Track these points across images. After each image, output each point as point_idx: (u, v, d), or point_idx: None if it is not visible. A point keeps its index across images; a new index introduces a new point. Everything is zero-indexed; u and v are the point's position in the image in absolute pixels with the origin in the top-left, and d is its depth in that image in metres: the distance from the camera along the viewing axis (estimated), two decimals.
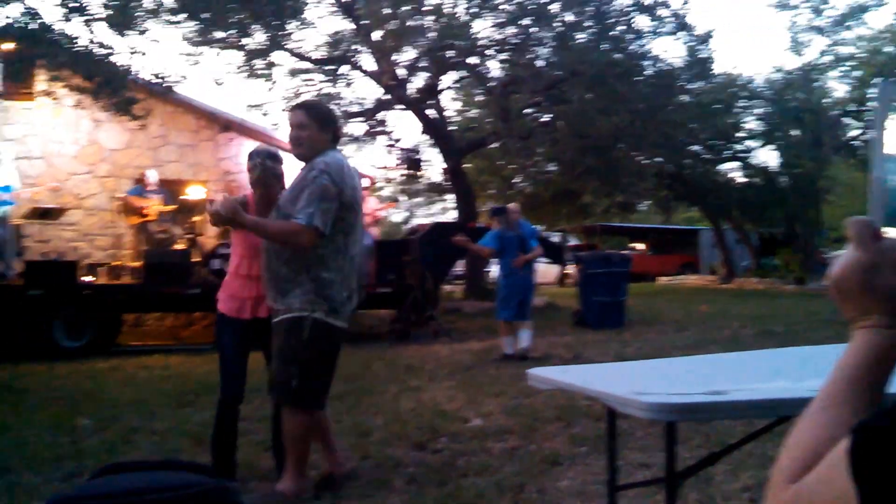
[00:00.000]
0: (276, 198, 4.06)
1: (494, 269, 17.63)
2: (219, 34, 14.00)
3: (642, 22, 16.52)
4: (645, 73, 16.89)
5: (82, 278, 10.80)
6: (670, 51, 40.50)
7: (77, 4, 12.07)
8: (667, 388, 2.42)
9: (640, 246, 34.61)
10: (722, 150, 26.15)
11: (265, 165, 4.15)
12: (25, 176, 12.91)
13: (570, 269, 23.44)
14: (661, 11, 16.30)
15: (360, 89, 39.19)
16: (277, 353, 3.80)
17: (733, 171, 28.26)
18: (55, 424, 5.74)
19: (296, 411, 3.81)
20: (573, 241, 32.22)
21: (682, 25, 16.70)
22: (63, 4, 12.07)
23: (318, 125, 3.87)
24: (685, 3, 16.58)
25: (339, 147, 4.05)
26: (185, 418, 5.89)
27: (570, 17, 15.95)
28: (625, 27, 16.23)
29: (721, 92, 22.80)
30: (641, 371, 3.15)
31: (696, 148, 23.95)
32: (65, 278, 10.27)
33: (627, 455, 4.38)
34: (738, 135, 25.75)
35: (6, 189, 11.10)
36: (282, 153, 4.37)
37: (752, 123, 25.98)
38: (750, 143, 26.47)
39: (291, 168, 4.07)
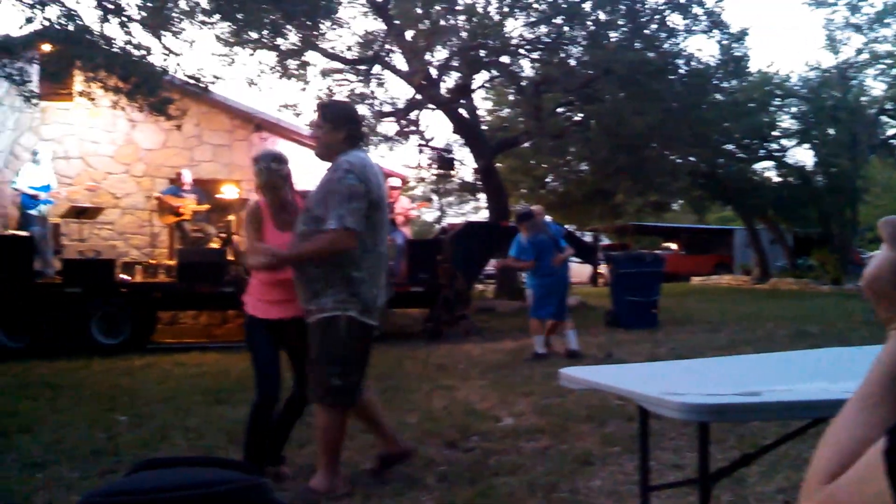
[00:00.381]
0: (286, 199, 4.15)
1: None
2: (252, 35, 14.12)
3: (676, 20, 16.41)
4: (678, 71, 16.77)
5: (119, 276, 10.95)
6: (704, 49, 40.06)
7: (113, 6, 12.24)
8: (700, 389, 2.42)
9: (673, 245, 34.34)
10: (756, 149, 25.87)
11: (270, 169, 4.17)
12: (63, 175, 13.15)
13: (602, 268, 23.35)
14: (695, 9, 16.18)
15: (393, 89, 39.33)
16: (315, 353, 3.84)
17: (768, 170, 27.96)
18: (92, 420, 5.84)
19: (331, 409, 3.85)
20: (605, 241, 32.06)
21: (716, 23, 16.55)
22: (100, 6, 12.24)
23: (331, 125, 3.90)
24: (719, 0, 16.42)
25: (361, 147, 4.07)
26: (220, 415, 5.96)
27: (602, 16, 15.88)
28: (658, 25, 16.13)
29: (756, 90, 22.57)
30: (674, 371, 3.14)
31: (730, 147, 23.71)
32: (102, 276, 10.42)
33: (660, 455, 4.36)
34: (772, 134, 25.46)
35: (45, 188, 11.30)
36: (287, 154, 4.40)
37: (787, 122, 25.70)
38: (785, 142, 26.17)
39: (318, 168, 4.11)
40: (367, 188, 3.77)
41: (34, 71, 12.39)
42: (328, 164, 3.96)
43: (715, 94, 18.19)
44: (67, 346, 10.07)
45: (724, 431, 4.73)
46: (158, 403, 6.51)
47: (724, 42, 17.23)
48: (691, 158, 20.03)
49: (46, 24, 11.64)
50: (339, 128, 3.90)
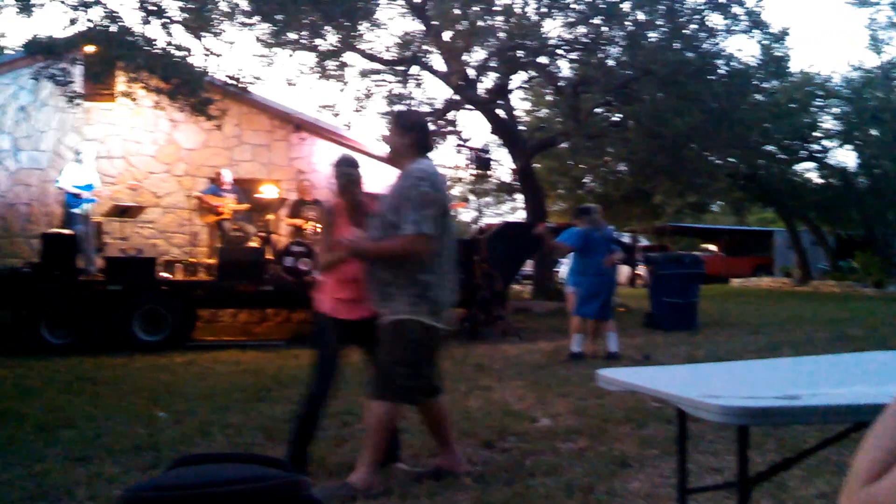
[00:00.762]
0: (359, 200, 4.32)
1: (563, 270, 17.56)
2: (292, 36, 14.23)
3: (716, 20, 16.24)
4: (718, 71, 16.59)
5: (160, 274, 11.09)
6: (744, 49, 39.62)
7: (155, 8, 12.41)
8: (739, 392, 2.41)
9: (713, 247, 34.02)
10: (798, 150, 25.55)
11: (346, 173, 4.37)
12: (106, 175, 13.35)
13: (641, 270, 23.19)
14: (735, 9, 15.99)
15: (430, 90, 39.39)
16: (384, 354, 3.96)
17: (809, 171, 27.63)
18: (133, 416, 5.93)
19: (388, 406, 3.93)
20: (644, 242, 31.86)
21: (756, 23, 16.35)
22: (142, 8, 12.42)
23: (398, 131, 4.08)
24: (760, 0, 16.19)
25: (428, 155, 4.18)
26: (258, 412, 6.02)
27: (641, 16, 15.77)
28: (698, 25, 15.97)
29: (797, 91, 22.29)
30: (713, 373, 3.12)
31: (770, 148, 23.41)
32: (143, 274, 10.57)
33: (698, 458, 4.33)
34: (814, 134, 25.13)
35: (88, 187, 11.48)
36: (358, 158, 4.58)
37: (828, 123, 25.34)
38: (827, 143, 25.82)
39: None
40: (440, 195, 3.93)
41: (77, 72, 12.60)
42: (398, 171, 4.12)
43: (755, 95, 17.97)
44: (109, 342, 10.25)
45: (764, 435, 4.68)
46: (198, 400, 6.59)
47: (765, 42, 17.03)
48: (731, 159, 19.82)
49: (90, 25, 11.84)
50: (406, 134, 4.06)
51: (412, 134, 4.07)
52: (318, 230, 4.60)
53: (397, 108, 4.37)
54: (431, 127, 18.17)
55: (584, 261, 9.00)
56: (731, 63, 16.84)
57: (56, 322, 10.19)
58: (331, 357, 4.27)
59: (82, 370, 8.46)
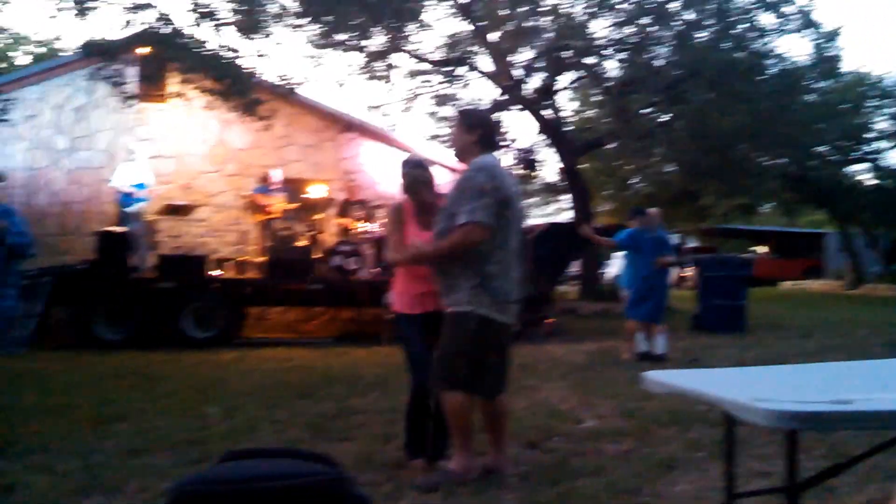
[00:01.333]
0: (428, 201, 4.36)
1: (612, 271, 17.44)
2: (341, 37, 14.35)
3: (766, 19, 16.03)
4: (768, 71, 16.36)
5: (210, 272, 11.26)
6: (795, 49, 38.97)
7: (207, 10, 12.62)
8: (788, 396, 2.39)
9: (762, 249, 33.52)
10: (850, 151, 25.09)
11: (412, 174, 4.41)
12: (158, 174, 13.58)
13: (688, 271, 22.96)
14: (786, 8, 15.77)
15: (477, 90, 39.38)
16: (445, 343, 4.02)
17: (862, 172, 27.10)
18: (184, 411, 6.04)
19: (455, 394, 3.99)
20: (691, 244, 31.53)
21: (808, 22, 16.11)
22: (194, 10, 12.63)
23: (463, 127, 4.15)
24: None
25: (494, 152, 4.24)
26: (305, 409, 6.09)
27: (690, 16, 15.61)
28: (747, 25, 15.77)
29: (849, 91, 21.90)
30: (761, 377, 3.10)
31: (822, 149, 23.03)
32: (194, 272, 10.76)
33: (746, 462, 4.29)
34: (867, 135, 24.65)
35: (140, 186, 11.71)
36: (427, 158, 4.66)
37: (882, 123, 24.84)
38: (880, 144, 25.31)
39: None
40: (497, 185, 3.94)
41: (132, 73, 12.86)
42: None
43: (806, 95, 17.70)
44: (161, 338, 10.46)
45: (814, 440, 4.62)
46: (247, 396, 6.69)
47: (817, 41, 16.76)
48: (781, 160, 19.54)
49: (144, 27, 12.08)
50: (472, 131, 4.12)
51: (477, 131, 4.13)
52: (385, 228, 4.63)
53: (463, 106, 4.41)
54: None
55: (635, 262, 8.98)
56: (782, 63, 16.60)
57: (110, 318, 10.42)
58: (419, 349, 4.32)
59: (135, 365, 8.64)
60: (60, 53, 26.58)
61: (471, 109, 4.53)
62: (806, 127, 17.52)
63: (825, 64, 17.13)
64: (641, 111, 17.52)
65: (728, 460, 2.96)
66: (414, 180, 4.40)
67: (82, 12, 12.04)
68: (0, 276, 4.79)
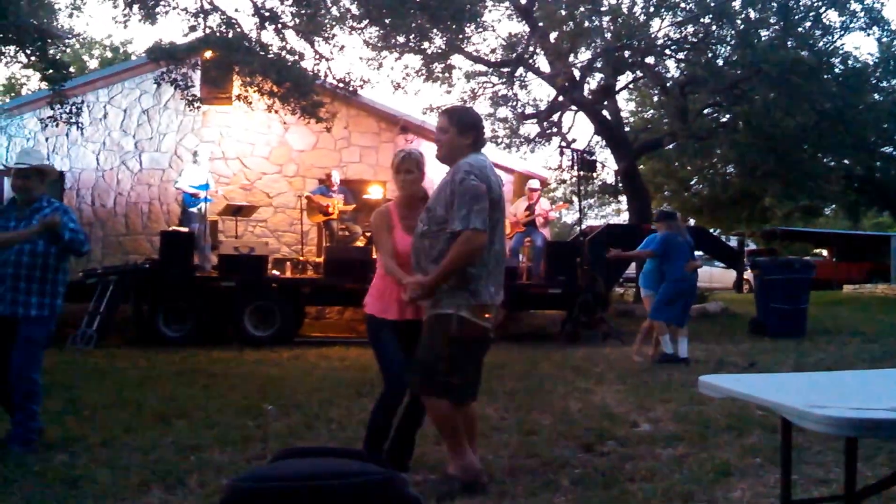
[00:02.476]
0: (416, 197, 4.26)
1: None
2: (400, 39, 14.46)
3: (831, 17, 15.71)
4: (833, 70, 16.02)
5: (270, 272, 11.43)
6: (862, 47, 38.05)
7: (270, 14, 12.83)
8: (848, 402, 2.36)
9: (824, 252, 32.78)
10: None
11: (413, 154, 4.33)
12: (221, 175, 13.87)
13: (748, 274, 22.56)
14: (853, 5, 15.43)
15: (535, 91, 39.27)
16: (424, 348, 3.91)
17: None
18: (243, 408, 6.14)
19: (438, 401, 3.91)
20: (751, 246, 30.96)
21: (875, 20, 15.73)
22: (257, 14, 12.85)
23: (457, 129, 3.96)
24: None
25: (481, 151, 4.07)
26: (361, 408, 6.13)
27: (753, 15, 15.37)
28: (812, 23, 15.47)
29: None
30: (820, 382, 3.05)
31: (888, 149, 22.43)
32: (254, 272, 10.93)
33: (804, 469, 4.22)
34: None
35: (204, 187, 11.94)
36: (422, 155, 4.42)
37: None
38: None
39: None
40: (488, 187, 3.83)
41: (196, 76, 13.12)
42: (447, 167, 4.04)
43: (873, 94, 17.27)
44: (222, 336, 10.66)
45: (875, 447, 4.52)
46: (304, 394, 6.77)
47: (884, 39, 16.35)
48: (846, 161, 19.11)
49: (208, 31, 12.32)
50: (466, 133, 3.96)
51: (472, 134, 3.98)
52: (373, 233, 4.40)
53: (452, 106, 4.18)
54: (536, 128, 18.20)
55: (666, 266, 8.89)
56: (848, 62, 16.26)
57: (173, 316, 10.65)
58: (392, 354, 4.19)
59: (196, 363, 8.82)
60: (131, 57, 27.28)
61: (461, 108, 4.24)
62: (872, 127, 17.10)
63: (893, 62, 16.69)
64: (702, 111, 17.30)
65: (785, 467, 2.92)
66: (413, 158, 4.27)
67: (149, 17, 12.34)
68: (53, 275, 4.86)
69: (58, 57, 12.51)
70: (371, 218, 4.25)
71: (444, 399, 3.90)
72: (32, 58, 12.05)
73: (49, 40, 12.06)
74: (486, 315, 3.91)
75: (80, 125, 12.26)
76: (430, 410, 3.98)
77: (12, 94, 28.36)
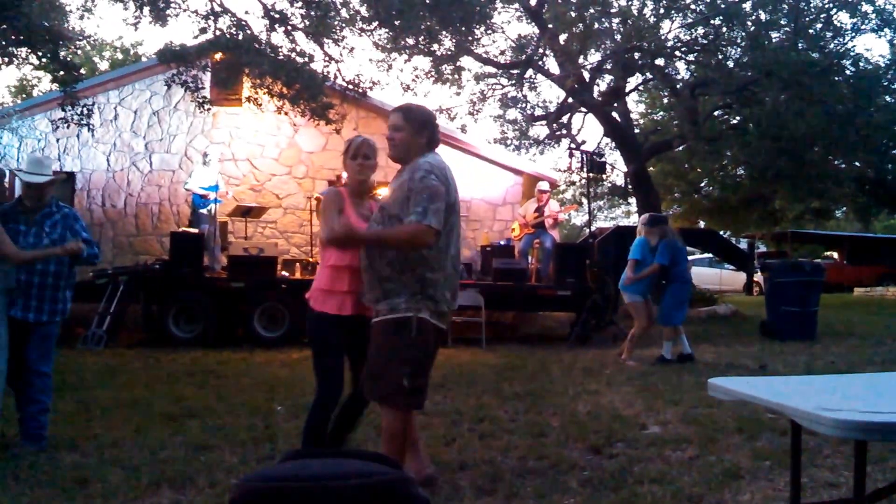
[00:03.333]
0: (368, 185, 4.19)
1: None
2: (409, 41, 14.46)
3: (842, 19, 15.66)
4: (845, 72, 15.97)
5: (280, 273, 11.45)
6: (874, 49, 37.92)
7: (280, 16, 12.86)
8: (858, 405, 2.36)
9: (835, 255, 32.65)
10: None
11: (366, 141, 4.23)
12: (231, 176, 13.91)
13: (758, 277, 22.50)
14: (864, 7, 15.38)
15: (545, 92, 39.23)
16: (382, 353, 3.77)
17: None
18: (252, 408, 6.16)
19: (397, 410, 3.78)
20: (761, 248, 30.86)
21: (886, 22, 15.67)
22: (267, 16, 12.89)
23: (412, 128, 3.86)
24: None
25: (436, 151, 3.98)
26: (370, 409, 6.13)
27: (764, 16, 15.33)
28: (823, 25, 15.42)
29: None
30: (831, 385, 3.05)
31: None
32: (264, 273, 10.94)
33: (813, 473, 4.21)
34: None
35: (213, 188, 11.98)
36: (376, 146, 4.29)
37: None
38: None
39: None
40: (447, 190, 3.75)
41: (206, 78, 13.16)
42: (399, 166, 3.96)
43: (885, 97, 17.20)
44: (231, 337, 10.69)
45: (886, 451, 4.50)
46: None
47: (895, 41, 16.30)
48: (857, 164, 19.04)
49: (219, 33, 12.36)
50: (421, 131, 3.87)
51: (426, 132, 3.89)
52: (321, 212, 4.17)
53: (406, 104, 4.08)
54: (545, 130, 18.19)
55: (671, 270, 8.92)
56: (859, 64, 16.20)
57: (182, 317, 10.68)
58: (335, 356, 4.09)
59: (206, 363, 8.85)
60: (143, 58, 27.40)
61: (414, 107, 4.10)
62: (883, 129, 17.03)
63: None
64: (712, 113, 17.27)
65: (794, 470, 2.92)
66: (370, 145, 4.16)
67: (160, 19, 12.39)
68: (65, 281, 4.97)
69: (69, 59, 12.57)
70: (321, 201, 4.12)
71: (401, 406, 3.77)
72: (44, 59, 12.10)
73: (60, 42, 12.11)
74: (445, 319, 3.86)
75: (90, 126, 12.30)
76: (390, 421, 3.78)
77: (24, 96, 28.50)
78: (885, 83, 16.89)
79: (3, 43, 11.71)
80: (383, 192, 4.31)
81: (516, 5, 16.29)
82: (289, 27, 12.91)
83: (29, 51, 12.15)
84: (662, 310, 9.05)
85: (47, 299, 4.87)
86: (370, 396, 3.90)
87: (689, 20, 15.85)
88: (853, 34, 15.89)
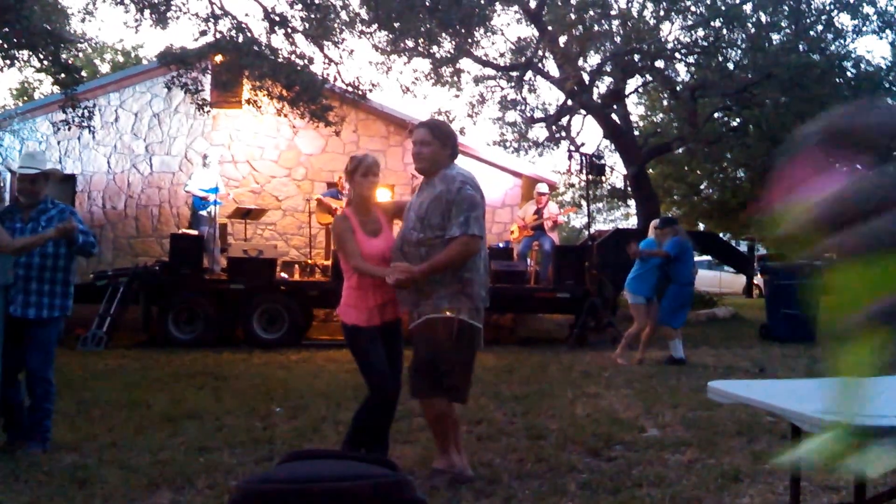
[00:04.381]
0: (371, 201, 4.47)
1: None
2: (409, 43, 14.47)
3: (844, 20, 15.65)
4: (846, 74, 15.96)
5: (279, 275, 11.45)
6: (875, 51, 37.93)
7: (279, 18, 12.86)
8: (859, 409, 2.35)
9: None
10: None
11: (373, 160, 4.51)
12: (230, 178, 13.91)
13: (758, 279, 22.51)
14: (865, 9, 15.36)
15: (544, 95, 39.25)
16: (424, 352, 4.07)
17: None
18: (251, 410, 6.17)
19: (438, 402, 4.09)
20: (761, 251, 30.85)
21: (888, 23, 15.65)
22: (267, 18, 12.89)
23: (440, 142, 4.17)
24: None
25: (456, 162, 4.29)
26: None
27: (764, 18, 15.33)
28: (824, 27, 15.41)
29: None
30: (830, 388, 3.04)
31: None
32: (263, 274, 10.95)
33: (813, 476, 4.21)
34: None
35: (213, 190, 11.98)
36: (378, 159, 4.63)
37: None
38: None
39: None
40: (482, 198, 4.09)
41: (206, 80, 13.17)
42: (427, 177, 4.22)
43: (886, 99, 17.18)
44: (230, 339, 10.70)
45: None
46: (312, 397, 6.79)
47: None
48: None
49: (219, 36, 12.37)
50: (447, 145, 4.20)
51: (451, 144, 4.23)
52: (336, 240, 4.49)
53: (431, 120, 4.25)
54: (544, 132, 18.20)
55: (674, 269, 8.96)
56: (860, 66, 16.18)
57: (182, 318, 10.69)
58: (381, 362, 4.25)
59: (205, 365, 8.85)
60: (144, 60, 27.42)
61: (441, 122, 4.56)
62: None
63: None
64: (712, 115, 17.26)
65: (794, 473, 2.91)
66: (377, 163, 4.45)
67: (160, 21, 12.39)
68: (63, 275, 4.91)
69: (70, 61, 12.58)
70: (332, 228, 4.42)
71: (443, 398, 4.08)
72: (45, 62, 12.11)
73: (62, 45, 12.12)
74: (481, 316, 4.12)
75: (91, 129, 12.31)
76: (429, 410, 4.14)
77: (25, 98, 28.51)
78: (887, 85, 16.88)
79: (5, 45, 11.72)
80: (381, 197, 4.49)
81: (516, 7, 16.28)
82: (289, 29, 12.92)
83: (30, 53, 12.17)
84: (661, 311, 9.09)
85: (46, 294, 4.82)
86: (414, 394, 4.19)
87: (689, 22, 15.84)
88: (854, 36, 15.89)
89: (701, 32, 15.95)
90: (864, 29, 15.77)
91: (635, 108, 23.12)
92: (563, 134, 18.54)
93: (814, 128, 0.88)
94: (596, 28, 15.04)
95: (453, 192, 4.01)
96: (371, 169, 4.40)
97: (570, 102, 17.35)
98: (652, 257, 9.04)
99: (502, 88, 17.92)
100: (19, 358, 4.80)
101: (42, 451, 4.75)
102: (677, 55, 16.70)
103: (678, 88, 17.39)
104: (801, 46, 15.03)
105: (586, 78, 16.85)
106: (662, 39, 15.82)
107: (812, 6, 15.41)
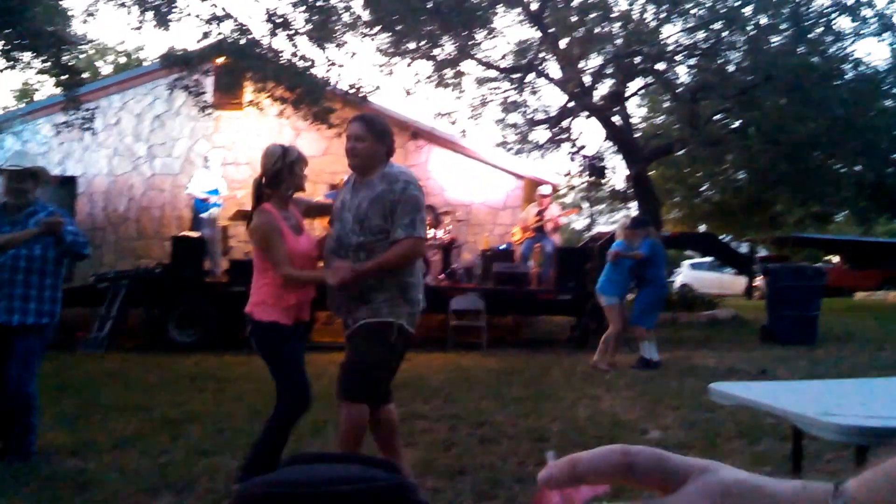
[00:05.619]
0: (290, 195, 4.27)
1: (677, 279, 17.14)
2: (411, 45, 14.47)
3: (843, 23, 15.64)
4: (845, 77, 15.96)
5: None
6: (874, 53, 37.98)
7: (282, 20, 12.89)
8: (859, 410, 2.35)
9: (836, 259, 32.63)
10: None
11: (297, 154, 4.36)
12: (232, 180, 13.91)
13: (759, 281, 22.50)
14: (865, 11, 15.36)
15: (546, 97, 39.20)
16: (360, 353, 3.85)
17: None
18: (253, 413, 6.14)
19: (359, 407, 3.82)
20: (762, 252, 30.85)
21: (887, 26, 15.65)
22: (269, 20, 12.91)
23: (374, 138, 3.93)
24: (891, 1, 15.54)
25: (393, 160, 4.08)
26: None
27: (764, 20, 15.33)
28: (823, 29, 15.41)
29: None
30: (832, 390, 3.05)
31: None
32: None
33: (814, 478, 4.19)
34: None
35: (214, 192, 11.98)
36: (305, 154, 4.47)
37: None
38: None
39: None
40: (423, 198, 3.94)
41: (209, 82, 13.18)
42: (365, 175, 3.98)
43: (885, 101, 17.19)
44: (232, 341, 10.68)
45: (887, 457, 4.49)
46: (314, 399, 6.76)
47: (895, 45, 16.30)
48: (857, 168, 19.02)
49: (221, 38, 12.40)
50: (382, 141, 3.95)
51: (387, 141, 3.98)
52: (263, 242, 4.14)
53: (366, 114, 4.08)
54: (546, 134, 18.19)
55: (650, 271, 8.98)
56: (859, 68, 16.19)
57: (183, 321, 10.68)
58: (298, 365, 4.18)
59: (206, 367, 8.85)
60: (144, 62, 27.43)
61: (376, 117, 4.19)
62: (884, 133, 17.02)
63: None
64: (713, 117, 17.26)
65: (795, 475, 2.90)
66: (301, 161, 4.25)
67: (163, 23, 12.42)
68: (52, 280, 4.67)
69: (72, 63, 12.61)
70: (256, 224, 4.05)
71: (365, 405, 3.84)
72: (47, 64, 12.14)
73: (63, 46, 12.14)
74: (416, 321, 3.96)
75: (93, 130, 12.33)
76: (350, 415, 3.81)
77: (26, 100, 28.54)
78: (886, 87, 16.89)
79: (7, 47, 11.73)
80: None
81: (518, 9, 16.28)
82: (291, 31, 12.94)
83: (32, 55, 12.19)
84: (633, 311, 9.13)
85: (33, 299, 4.57)
86: (345, 396, 3.88)
87: (690, 24, 15.84)
88: (854, 38, 15.88)
89: (701, 35, 15.94)
90: (864, 32, 15.77)
91: (636, 110, 23.11)
92: (565, 136, 18.53)
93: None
94: (597, 30, 15.03)
95: (397, 192, 3.80)
96: (303, 160, 4.27)
97: (571, 104, 17.34)
98: (625, 259, 9.04)
99: (504, 90, 17.90)
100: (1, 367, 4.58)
101: (26, 462, 4.54)
102: (678, 57, 16.69)
103: (679, 90, 17.37)
104: (800, 49, 15.01)
105: (588, 80, 16.84)
106: (663, 42, 15.82)
107: (812, 9, 15.39)
